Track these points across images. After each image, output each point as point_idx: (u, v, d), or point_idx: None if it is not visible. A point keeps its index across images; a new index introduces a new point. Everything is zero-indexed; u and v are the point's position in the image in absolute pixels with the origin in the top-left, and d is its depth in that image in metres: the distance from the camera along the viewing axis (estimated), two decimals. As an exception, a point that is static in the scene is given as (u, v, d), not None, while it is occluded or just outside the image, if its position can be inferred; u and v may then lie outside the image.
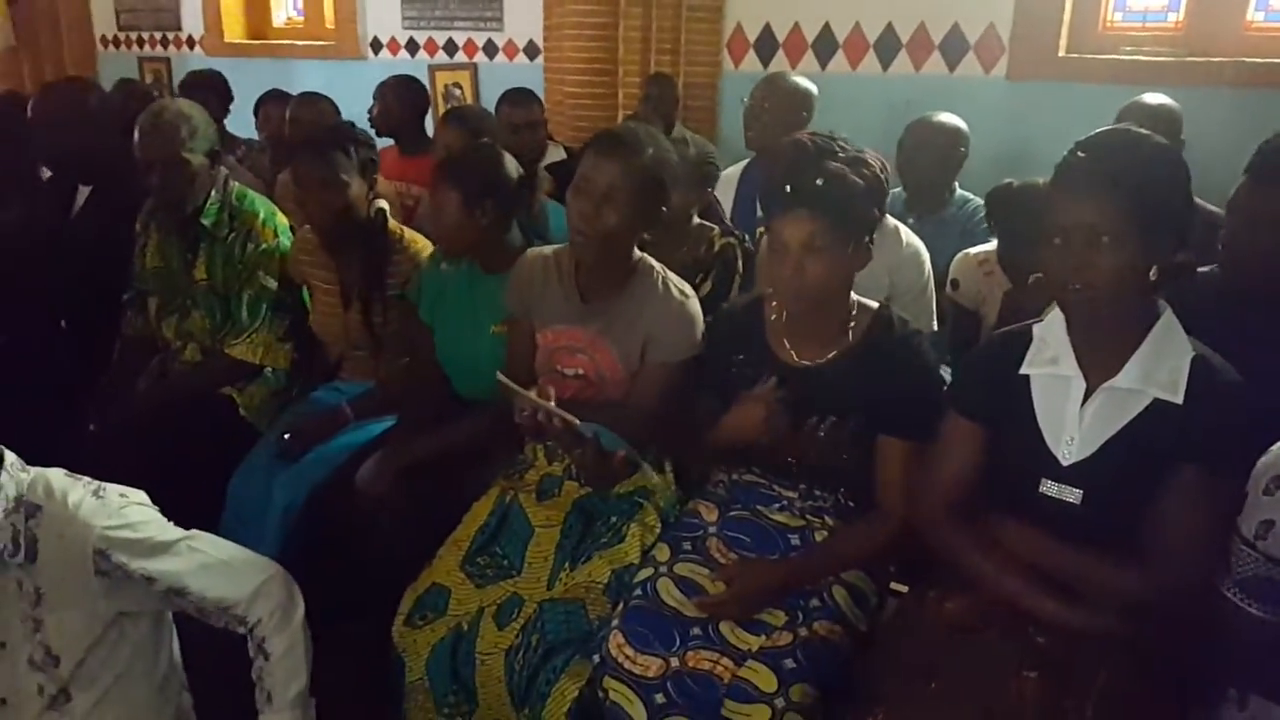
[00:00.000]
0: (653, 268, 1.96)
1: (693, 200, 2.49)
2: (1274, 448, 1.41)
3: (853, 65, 4.16)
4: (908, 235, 2.58)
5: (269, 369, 2.59)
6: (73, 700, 1.63)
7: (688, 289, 1.96)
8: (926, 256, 2.57)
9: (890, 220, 2.53)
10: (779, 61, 4.30)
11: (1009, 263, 2.42)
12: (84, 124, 2.82)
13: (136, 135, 2.43)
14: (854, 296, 1.79)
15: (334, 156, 2.35)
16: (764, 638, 1.67)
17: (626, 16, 4.35)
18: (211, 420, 2.50)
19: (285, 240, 2.59)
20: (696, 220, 2.60)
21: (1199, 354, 1.50)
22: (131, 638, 1.70)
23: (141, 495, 1.70)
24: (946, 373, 2.04)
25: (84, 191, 2.95)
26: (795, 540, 1.82)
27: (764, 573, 1.75)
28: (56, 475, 1.64)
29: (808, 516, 1.84)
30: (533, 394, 1.72)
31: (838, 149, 1.69)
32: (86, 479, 1.67)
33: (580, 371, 1.95)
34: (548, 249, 2.06)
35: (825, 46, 4.20)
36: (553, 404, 1.71)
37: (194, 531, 1.70)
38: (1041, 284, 1.58)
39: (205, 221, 2.51)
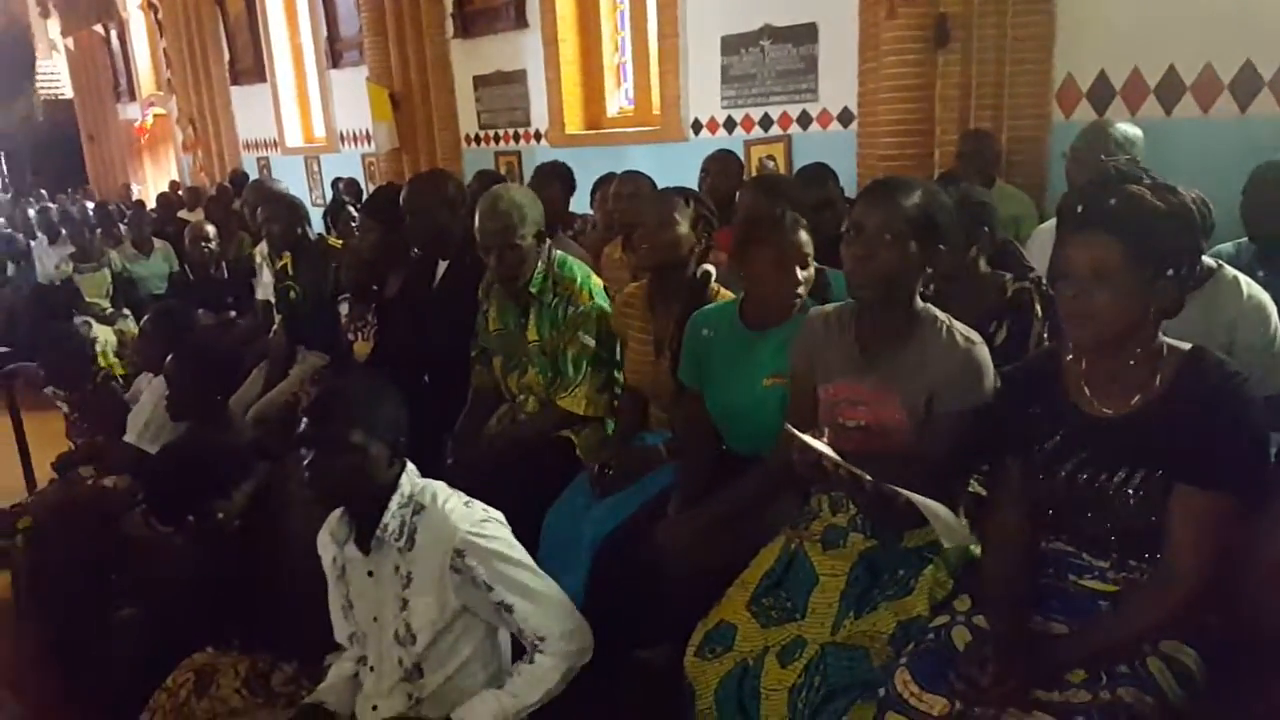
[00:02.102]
0: (935, 316, 1.93)
1: (970, 243, 2.43)
2: None
3: (1204, 109, 3.82)
4: (1250, 286, 2.35)
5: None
6: (424, 677, 1.92)
7: (974, 335, 1.92)
8: (1274, 310, 2.33)
9: (1229, 271, 2.35)
10: (1116, 109, 4.05)
11: None
12: (442, 208, 3.27)
13: (476, 221, 2.80)
14: (1163, 338, 1.64)
15: (672, 200, 2.61)
16: (1057, 693, 1.56)
17: (944, 75, 4.32)
18: (551, 459, 2.80)
19: (601, 301, 2.85)
20: (985, 267, 2.52)
21: None
22: (473, 636, 1.95)
23: (499, 515, 1.97)
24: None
25: (443, 265, 3.39)
26: (1106, 606, 1.68)
27: (1036, 672, 1.60)
28: (440, 485, 1.97)
29: (1121, 586, 1.68)
30: (820, 444, 1.75)
31: (1142, 176, 1.62)
32: (460, 492, 1.97)
33: (862, 423, 1.95)
34: (829, 306, 2.11)
35: (1170, 90, 3.90)
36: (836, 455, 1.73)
37: (531, 562, 1.93)
38: None
39: (533, 289, 2.83)
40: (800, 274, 2.27)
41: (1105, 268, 1.56)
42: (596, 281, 2.89)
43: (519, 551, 1.92)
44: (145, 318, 3.90)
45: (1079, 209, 1.60)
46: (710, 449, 2.40)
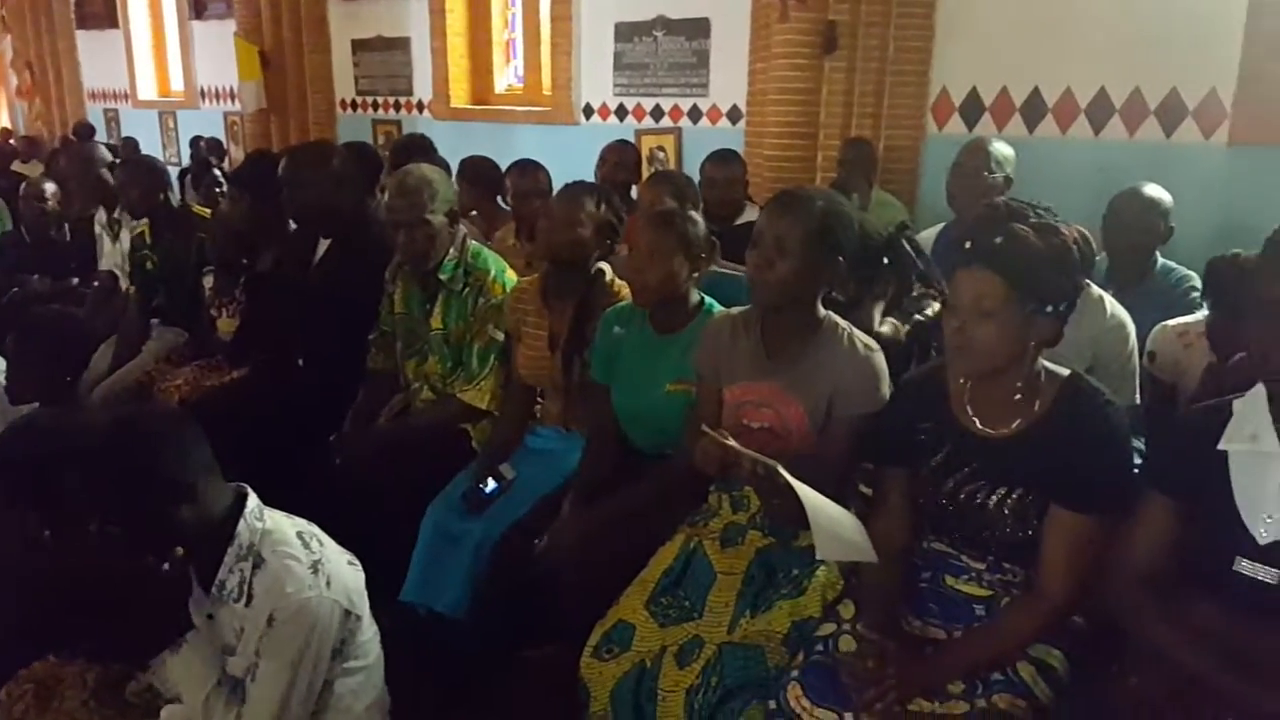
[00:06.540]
0: (837, 324, 2.01)
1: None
2: None
3: (1062, 129, 4.08)
4: (1112, 306, 2.50)
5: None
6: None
7: (873, 344, 2.00)
8: (1132, 329, 2.49)
9: (1095, 290, 2.49)
10: (985, 124, 4.28)
11: (1218, 337, 2.33)
12: (326, 182, 3.09)
13: (385, 197, 2.69)
14: (1043, 363, 1.73)
15: (583, 200, 2.53)
16: (937, 704, 1.64)
17: (829, 81, 4.43)
18: (445, 450, 2.69)
19: None
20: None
21: None
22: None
23: (348, 580, 1.74)
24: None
25: (324, 243, 3.26)
26: (980, 611, 1.78)
27: (916, 677, 1.67)
28: (287, 533, 1.73)
29: (995, 589, 1.79)
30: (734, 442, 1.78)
31: (1030, 215, 1.68)
32: (315, 544, 1.74)
33: (766, 425, 2.00)
34: (735, 310, 2.14)
35: (1034, 110, 4.14)
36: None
37: (294, 681, 1.67)
38: (1245, 362, 1.51)
39: (443, 276, 2.74)
40: (681, 267, 2.26)
41: (988, 303, 1.63)
42: (511, 275, 2.82)
43: (314, 647, 1.67)
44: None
45: (967, 245, 1.67)
46: (613, 447, 2.41)
